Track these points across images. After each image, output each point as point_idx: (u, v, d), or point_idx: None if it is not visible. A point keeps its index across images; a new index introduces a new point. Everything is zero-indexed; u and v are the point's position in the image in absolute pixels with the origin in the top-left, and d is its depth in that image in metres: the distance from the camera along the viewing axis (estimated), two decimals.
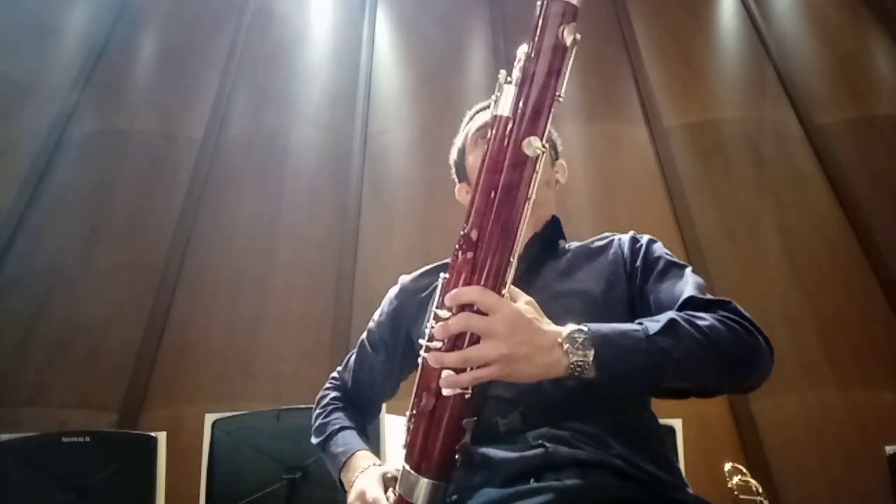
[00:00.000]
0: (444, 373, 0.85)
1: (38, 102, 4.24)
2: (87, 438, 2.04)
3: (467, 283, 0.87)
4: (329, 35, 4.90)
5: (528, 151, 0.86)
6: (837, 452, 3.14)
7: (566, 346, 0.85)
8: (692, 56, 4.71)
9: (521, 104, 0.88)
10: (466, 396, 0.88)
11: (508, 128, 0.88)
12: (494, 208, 0.87)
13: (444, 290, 0.89)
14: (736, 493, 2.32)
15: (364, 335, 1.35)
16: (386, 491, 1.04)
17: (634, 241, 1.18)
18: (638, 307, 1.09)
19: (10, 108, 4.14)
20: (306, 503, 1.90)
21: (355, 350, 1.36)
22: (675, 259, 1.13)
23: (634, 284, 1.11)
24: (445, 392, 0.86)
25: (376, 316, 1.33)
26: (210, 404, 3.03)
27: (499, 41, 4.80)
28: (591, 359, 0.85)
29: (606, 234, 1.23)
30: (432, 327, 0.89)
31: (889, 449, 2.21)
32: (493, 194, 0.87)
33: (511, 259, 0.88)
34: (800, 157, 4.17)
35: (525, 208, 0.88)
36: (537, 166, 0.88)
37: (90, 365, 3.40)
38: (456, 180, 1.38)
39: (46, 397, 3.29)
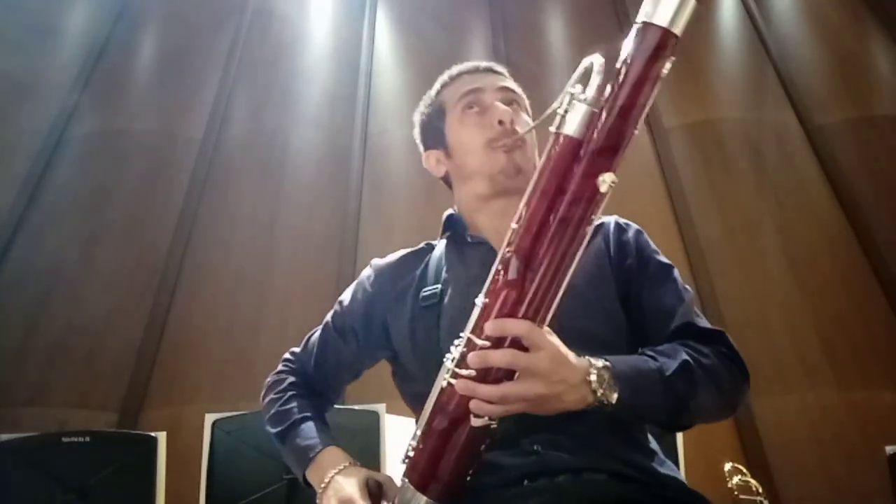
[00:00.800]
0: (475, 401, 0.83)
1: (38, 102, 4.24)
2: (87, 438, 2.03)
3: (510, 312, 0.83)
4: (329, 35, 4.90)
5: (603, 189, 0.81)
6: (837, 452, 3.14)
7: (594, 384, 0.85)
8: (692, 56, 4.71)
9: (600, 133, 0.81)
10: (493, 426, 0.86)
11: (579, 154, 0.82)
12: (552, 238, 0.83)
13: (482, 315, 0.85)
14: (736, 493, 2.32)
15: (329, 317, 1.25)
16: (374, 501, 0.99)
17: (620, 230, 1.14)
18: (632, 310, 1.07)
19: (10, 108, 4.14)
20: (306, 503, 1.90)
21: (317, 331, 1.26)
22: (662, 258, 1.12)
23: (625, 283, 1.08)
24: (475, 422, 0.84)
25: (346, 299, 1.24)
26: (210, 404, 3.02)
27: (499, 41, 4.80)
28: (614, 399, 0.86)
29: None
30: (464, 352, 0.85)
31: (889, 449, 2.21)
32: (551, 222, 0.83)
33: (559, 293, 0.84)
34: (800, 157, 4.16)
35: (584, 242, 0.85)
36: (604, 202, 0.84)
37: (90, 365, 3.40)
38: (421, 145, 1.26)
39: (46, 397, 3.29)
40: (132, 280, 3.69)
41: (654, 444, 1.04)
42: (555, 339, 0.85)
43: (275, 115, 4.39)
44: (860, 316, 3.54)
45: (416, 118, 1.27)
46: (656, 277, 1.08)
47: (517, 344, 0.83)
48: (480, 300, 0.86)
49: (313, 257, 3.82)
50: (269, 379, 1.27)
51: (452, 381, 0.85)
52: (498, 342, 0.83)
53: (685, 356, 0.94)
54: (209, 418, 2.03)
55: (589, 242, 1.12)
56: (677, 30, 0.78)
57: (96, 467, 1.98)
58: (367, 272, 1.26)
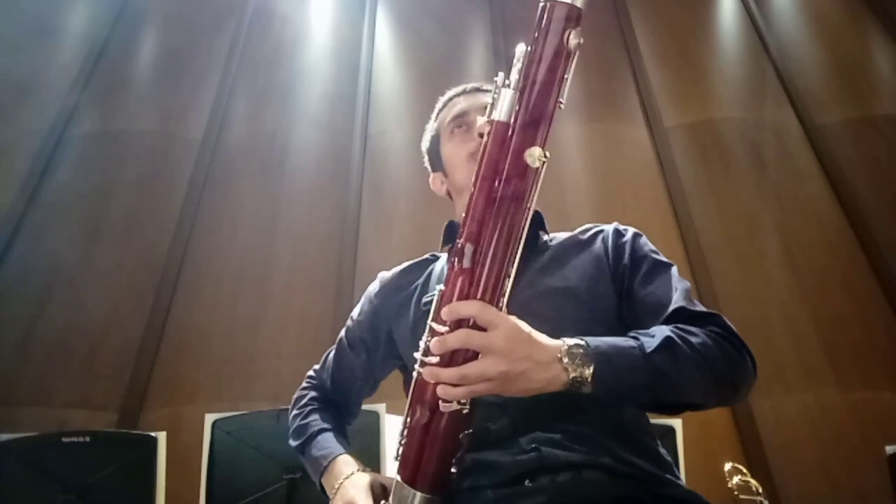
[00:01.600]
0: (441, 386, 0.84)
1: (38, 102, 4.24)
2: (87, 438, 2.03)
3: (465, 295, 0.85)
4: (329, 35, 4.90)
5: (531, 162, 0.84)
6: (837, 452, 3.14)
7: (565, 361, 0.85)
8: (692, 56, 4.71)
9: (521, 111, 0.85)
10: (464, 412, 0.86)
11: (508, 135, 0.85)
12: (493, 219, 0.84)
13: (441, 303, 0.87)
14: (736, 493, 2.32)
15: (343, 333, 1.32)
16: (376, 502, 1.02)
17: (619, 234, 1.16)
18: (625, 308, 1.08)
19: (10, 108, 4.14)
20: (306, 503, 1.90)
21: (333, 348, 1.33)
22: (661, 257, 1.13)
23: (620, 283, 1.10)
24: (443, 408, 0.85)
25: (355, 314, 1.31)
26: (210, 404, 3.03)
27: (499, 41, 4.80)
28: (589, 376, 0.85)
29: (590, 225, 1.21)
30: (428, 341, 0.87)
31: (889, 449, 2.20)
32: (491, 204, 0.85)
33: (510, 271, 0.86)
34: (800, 157, 4.16)
35: (525, 219, 0.86)
36: (539, 177, 0.86)
37: (90, 365, 3.40)
38: (429, 169, 1.35)
39: (46, 397, 3.29)
40: (132, 280, 3.69)
41: (654, 443, 1.04)
42: (514, 318, 0.85)
43: (275, 115, 4.39)
44: (860, 316, 3.54)
45: (422, 146, 1.37)
46: (650, 273, 1.09)
47: (477, 326, 0.84)
48: (438, 289, 0.89)
49: (313, 257, 3.82)
50: (294, 395, 1.36)
51: (421, 370, 0.87)
52: (456, 326, 0.85)
53: (669, 333, 0.93)
54: (209, 418, 2.03)
55: (590, 247, 1.14)
56: (579, 3, 0.84)
57: (96, 467, 1.98)
58: (373, 285, 1.31)
